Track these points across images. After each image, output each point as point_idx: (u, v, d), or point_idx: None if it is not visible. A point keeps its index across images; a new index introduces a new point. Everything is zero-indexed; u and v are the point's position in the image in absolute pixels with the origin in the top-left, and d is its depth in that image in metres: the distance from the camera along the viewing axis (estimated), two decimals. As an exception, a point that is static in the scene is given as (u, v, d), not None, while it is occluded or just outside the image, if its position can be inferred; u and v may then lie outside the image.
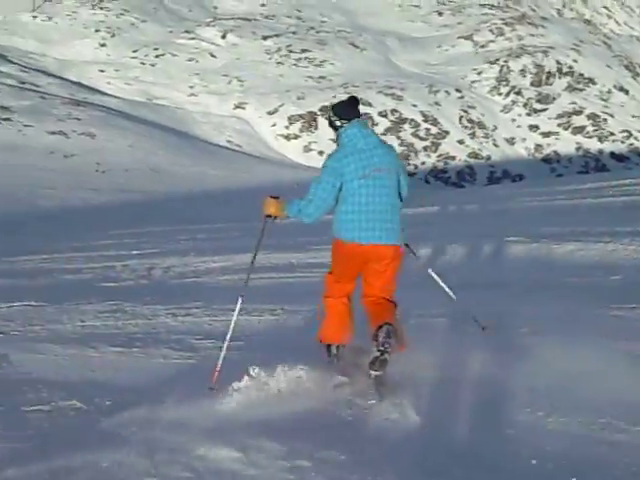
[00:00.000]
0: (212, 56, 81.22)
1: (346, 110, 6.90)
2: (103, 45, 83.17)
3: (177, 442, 5.43)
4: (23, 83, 67.24)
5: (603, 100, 74.28)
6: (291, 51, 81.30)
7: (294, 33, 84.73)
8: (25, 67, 74.46)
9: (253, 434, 5.53)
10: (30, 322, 9.65)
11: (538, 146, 69.13)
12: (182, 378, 6.91)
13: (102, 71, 77.61)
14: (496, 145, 69.03)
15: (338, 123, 6.90)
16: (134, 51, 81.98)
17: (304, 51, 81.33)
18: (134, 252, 15.52)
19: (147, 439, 5.48)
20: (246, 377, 6.56)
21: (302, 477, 4.89)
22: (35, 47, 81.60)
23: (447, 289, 7.73)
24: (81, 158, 47.23)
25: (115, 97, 69.77)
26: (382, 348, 6.32)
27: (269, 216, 6.96)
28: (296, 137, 66.18)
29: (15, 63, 75.00)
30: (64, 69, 77.23)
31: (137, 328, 9.13)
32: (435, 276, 7.76)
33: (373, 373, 6.42)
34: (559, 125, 71.39)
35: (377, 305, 6.73)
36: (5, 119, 55.37)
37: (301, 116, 68.40)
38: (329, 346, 7.10)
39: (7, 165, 45.16)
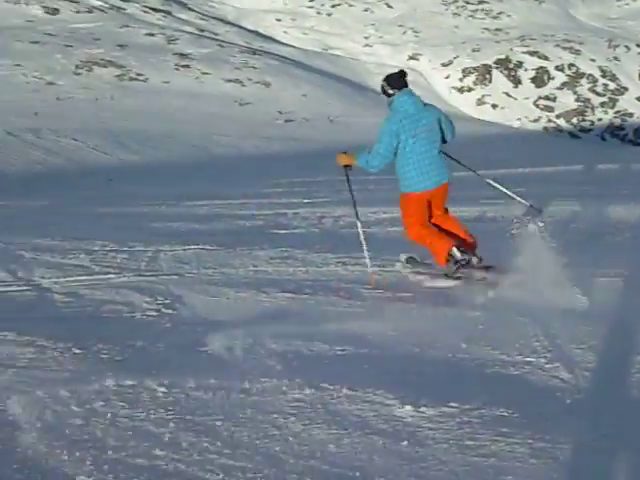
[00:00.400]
0: (388, 6, 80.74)
1: (398, 81, 8.57)
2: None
3: (346, 387, 5.47)
4: (202, 31, 68.56)
5: None
6: (467, 2, 79.98)
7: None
8: (204, 15, 75.84)
9: (421, 385, 5.53)
10: (204, 265, 9.91)
11: None
12: (350, 326, 6.97)
13: (279, 20, 78.28)
14: (678, 103, 66.35)
15: (391, 91, 8.58)
16: (310, 0, 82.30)
17: (481, 2, 79.88)
18: (305, 200, 15.68)
19: (314, 383, 5.54)
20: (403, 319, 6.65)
21: (473, 432, 4.86)
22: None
23: (516, 197, 9.51)
24: (256, 106, 47.89)
25: (290, 46, 70.34)
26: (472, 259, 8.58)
27: (346, 166, 8.97)
28: (469, 90, 65.26)
29: (195, 11, 76.49)
30: (242, 17, 78.27)
31: (307, 275, 9.24)
32: (496, 184, 9.47)
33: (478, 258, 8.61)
34: None
35: (448, 223, 8.77)
36: (184, 66, 56.69)
37: (475, 69, 67.36)
38: (453, 258, 8.58)
39: (184, 111, 46.30)
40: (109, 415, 5.08)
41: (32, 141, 37.04)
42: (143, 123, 41.91)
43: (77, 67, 56.24)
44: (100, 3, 70.19)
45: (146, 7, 72.98)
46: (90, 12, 68.39)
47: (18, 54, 62.57)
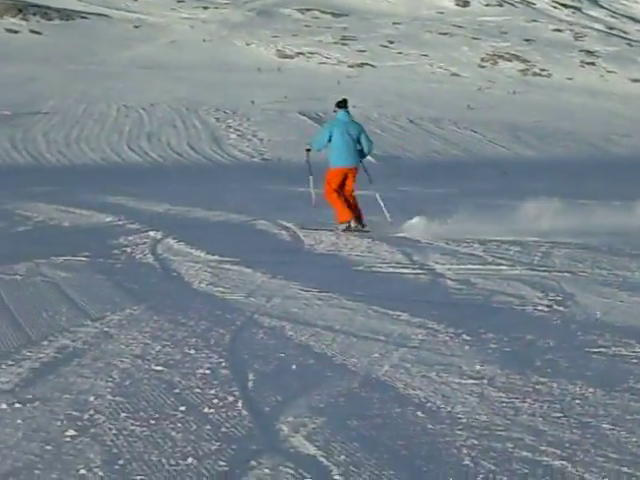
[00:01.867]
0: None
1: (340, 104, 13.14)
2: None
3: None
4: (611, 29, 66.91)
5: None
6: None
7: None
8: (615, 13, 73.93)
9: None
10: (598, 265, 9.70)
11: None
12: None
13: None
14: None
15: (335, 109, 13.20)
16: None
17: None
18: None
19: None
20: None
21: None
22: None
23: (386, 212, 13.19)
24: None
25: None
26: (360, 227, 12.72)
27: (307, 150, 13.83)
28: None
29: (605, 8, 74.76)
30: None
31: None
32: (380, 200, 13.34)
33: (355, 226, 12.71)
34: None
35: (352, 199, 12.94)
36: (589, 63, 55.67)
37: None
38: (348, 223, 12.69)
39: (585, 109, 45.50)
40: (496, 402, 5.10)
41: (432, 130, 38.11)
42: (542, 118, 41.69)
43: (482, 60, 56.92)
44: (514, -4, 70.55)
45: (556, 3, 72.42)
46: (500, 5, 68.95)
47: (426, 45, 64.43)
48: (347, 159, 12.82)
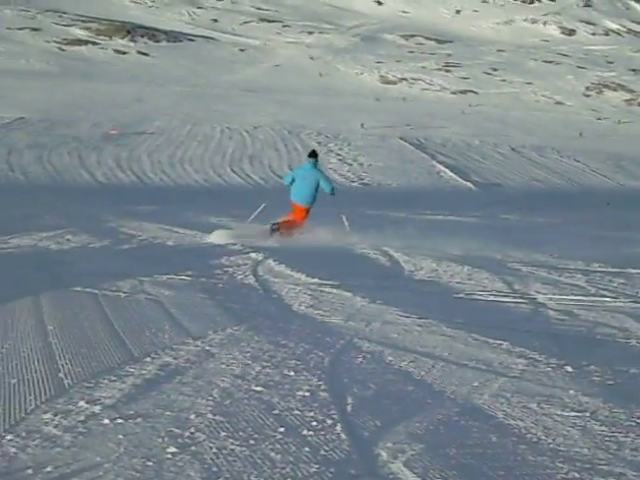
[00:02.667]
0: None
1: (310, 155, 16.37)
2: None
3: None
4: None
5: None
6: None
7: None
8: None
9: None
10: None
11: None
12: None
13: None
14: None
15: (308, 157, 16.48)
16: None
17: None
18: None
19: None
20: None
21: None
22: None
23: (346, 224, 15.40)
24: None
25: None
26: (274, 229, 15.54)
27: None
28: None
29: None
30: None
31: None
32: (345, 219, 15.47)
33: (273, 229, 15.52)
34: None
35: (297, 221, 15.59)
36: (698, 93, 54.46)
37: None
38: (277, 227, 15.42)
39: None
40: (599, 436, 5.00)
41: (534, 159, 37.70)
42: (648, 149, 41.00)
43: (587, 89, 56.20)
44: (617, 26, 69.55)
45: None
46: (606, 35, 68.05)
47: (530, 73, 63.94)
48: (297, 197, 15.87)
